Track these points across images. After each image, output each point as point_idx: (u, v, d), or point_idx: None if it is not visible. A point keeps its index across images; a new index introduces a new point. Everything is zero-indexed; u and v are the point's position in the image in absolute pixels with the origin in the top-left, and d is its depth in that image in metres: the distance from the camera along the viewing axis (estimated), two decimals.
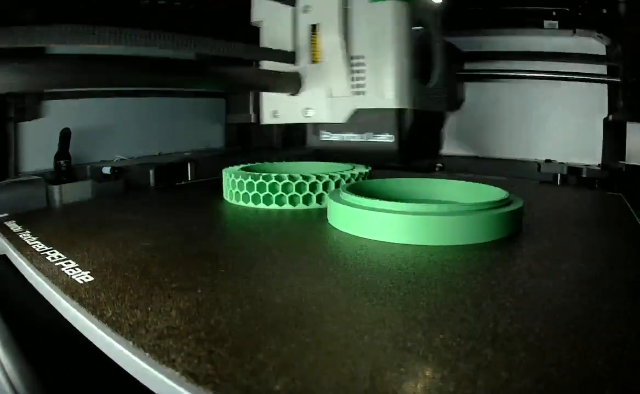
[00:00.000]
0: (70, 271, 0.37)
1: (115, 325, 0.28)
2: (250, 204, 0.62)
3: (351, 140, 0.64)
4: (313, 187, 0.60)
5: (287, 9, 0.65)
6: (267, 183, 0.60)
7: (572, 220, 0.57)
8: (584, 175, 0.94)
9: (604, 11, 0.92)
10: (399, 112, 0.60)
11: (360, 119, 0.61)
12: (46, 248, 0.44)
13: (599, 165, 0.98)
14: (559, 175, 0.98)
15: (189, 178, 0.94)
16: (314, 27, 0.63)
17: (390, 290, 0.32)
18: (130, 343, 0.26)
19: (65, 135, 0.80)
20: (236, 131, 1.22)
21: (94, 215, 0.61)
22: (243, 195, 0.62)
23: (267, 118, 0.70)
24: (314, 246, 0.44)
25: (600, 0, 0.92)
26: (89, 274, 0.37)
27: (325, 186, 0.60)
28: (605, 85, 0.97)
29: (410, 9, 0.59)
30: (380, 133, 0.61)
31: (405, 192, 0.59)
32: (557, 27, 0.97)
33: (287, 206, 0.60)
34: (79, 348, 0.32)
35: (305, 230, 0.50)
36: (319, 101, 0.64)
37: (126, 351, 0.26)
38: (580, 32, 0.96)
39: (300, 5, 0.64)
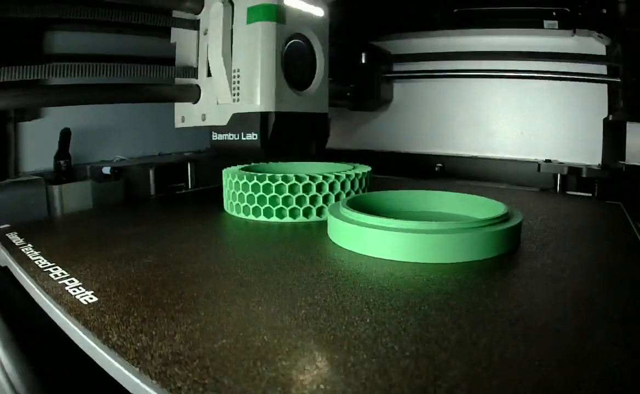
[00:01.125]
0: (74, 291, 0.38)
1: (121, 350, 0.28)
2: (251, 216, 0.63)
3: (230, 139, 0.74)
4: (313, 200, 0.62)
5: (194, 33, 0.78)
6: (268, 196, 0.61)
7: (571, 233, 0.57)
8: (584, 175, 0.94)
9: (604, 11, 0.92)
10: (264, 115, 0.70)
11: (236, 121, 0.73)
12: (49, 263, 0.45)
13: (599, 165, 0.98)
14: (558, 175, 0.98)
15: (189, 178, 0.94)
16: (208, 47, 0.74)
17: (390, 314, 0.33)
18: (137, 369, 0.26)
19: (65, 135, 0.80)
20: None
21: (94, 227, 0.62)
22: (244, 207, 0.63)
23: (177, 123, 0.83)
24: (314, 264, 0.44)
25: (600, 0, 0.92)
26: (92, 294, 0.37)
27: (326, 199, 0.62)
28: (605, 85, 0.97)
29: (281, 27, 0.70)
30: (248, 133, 0.71)
31: (406, 205, 0.61)
32: (557, 27, 0.97)
33: (288, 219, 0.61)
34: (79, 349, 0.32)
35: (306, 247, 0.51)
36: (211, 107, 0.76)
37: (133, 377, 0.26)
38: (580, 32, 0.96)
39: (202, 29, 0.76)
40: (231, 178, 0.65)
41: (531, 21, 0.99)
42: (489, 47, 1.04)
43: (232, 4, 0.71)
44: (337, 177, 0.62)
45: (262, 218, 0.62)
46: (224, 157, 0.81)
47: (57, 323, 0.35)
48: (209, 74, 0.75)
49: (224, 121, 0.74)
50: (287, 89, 0.73)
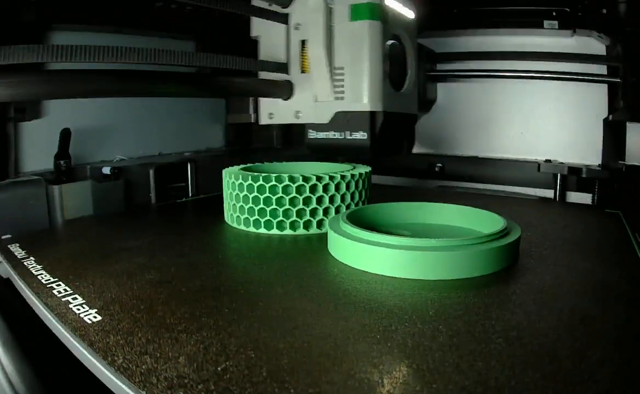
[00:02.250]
0: (78, 309, 0.38)
1: (127, 373, 0.29)
2: (252, 229, 0.63)
3: (332, 137, 0.73)
4: (313, 212, 0.62)
5: (281, 26, 0.75)
6: (268, 209, 0.61)
7: (569, 246, 0.57)
8: (584, 175, 0.95)
9: (604, 11, 0.92)
10: (372, 114, 0.70)
11: (340, 120, 0.71)
12: (52, 279, 0.45)
13: (599, 165, 0.98)
14: (559, 175, 0.98)
15: (189, 178, 0.94)
16: (303, 42, 0.73)
17: (390, 335, 0.33)
18: (143, 393, 0.27)
19: (65, 135, 0.80)
20: (236, 131, 1.23)
21: (95, 239, 0.62)
22: (244, 219, 0.64)
23: (264, 119, 0.81)
24: (315, 282, 0.45)
25: (600, 0, 0.92)
26: (96, 312, 0.38)
27: (326, 211, 0.63)
28: (605, 85, 0.97)
29: (384, 26, 0.69)
30: (355, 132, 0.70)
31: (406, 217, 0.62)
32: (557, 27, 0.97)
33: (288, 231, 0.62)
34: None
35: (306, 262, 0.51)
36: (307, 105, 0.75)
37: None
38: (580, 32, 0.96)
39: (292, 23, 0.74)
40: (231, 190, 0.65)
41: (531, 21, 0.99)
42: (488, 47, 1.04)
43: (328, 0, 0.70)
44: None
45: (262, 230, 0.63)
46: (324, 155, 0.81)
47: (62, 341, 0.36)
48: (303, 71, 0.74)
49: (324, 119, 0.73)
50: (390, 89, 0.73)
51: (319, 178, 0.62)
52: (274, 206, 0.61)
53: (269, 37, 0.78)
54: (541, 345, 0.32)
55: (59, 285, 0.44)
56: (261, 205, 0.62)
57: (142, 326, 0.35)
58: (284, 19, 0.75)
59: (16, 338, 0.45)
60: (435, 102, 1.19)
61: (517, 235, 0.49)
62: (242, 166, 0.76)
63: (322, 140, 0.74)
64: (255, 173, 0.63)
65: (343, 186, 0.64)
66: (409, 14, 0.77)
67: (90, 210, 0.76)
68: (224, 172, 0.70)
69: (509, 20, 1.02)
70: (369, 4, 0.67)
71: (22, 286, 0.45)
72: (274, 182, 0.61)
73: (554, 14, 0.97)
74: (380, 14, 0.68)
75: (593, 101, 0.98)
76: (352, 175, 0.65)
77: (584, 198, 0.99)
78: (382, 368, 0.29)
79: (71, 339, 0.34)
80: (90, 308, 0.38)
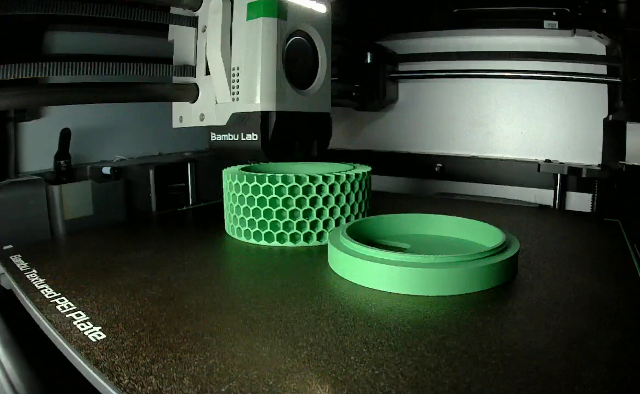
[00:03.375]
0: (82, 326, 0.39)
1: (133, 393, 0.29)
2: (252, 240, 0.64)
3: (229, 139, 0.72)
4: (314, 225, 0.62)
5: (192, 30, 0.76)
6: (269, 221, 0.62)
7: (566, 259, 0.58)
8: (584, 175, 0.95)
9: (604, 11, 0.92)
10: (264, 114, 0.69)
11: (236, 121, 0.71)
12: (55, 294, 0.46)
13: (599, 165, 0.98)
14: (559, 175, 0.98)
15: (189, 178, 0.94)
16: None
17: (388, 355, 0.34)
18: None
19: (65, 135, 0.80)
20: None
21: (97, 252, 0.62)
22: (245, 231, 0.64)
23: (175, 123, 0.82)
24: (315, 298, 0.45)
25: (600, 0, 0.92)
26: (100, 330, 0.38)
27: (326, 224, 0.63)
28: (605, 85, 0.97)
29: (282, 23, 0.68)
30: (248, 133, 0.70)
31: (405, 229, 0.62)
32: (557, 27, 0.96)
33: (288, 243, 0.62)
34: None
35: (307, 277, 0.51)
36: (210, 107, 0.74)
37: None
38: (580, 32, 0.96)
39: (200, 27, 0.75)
40: (232, 202, 0.65)
41: (531, 21, 0.98)
42: (489, 47, 1.04)
43: (232, 0, 0.69)
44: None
45: (263, 242, 0.63)
46: (223, 158, 0.80)
47: (68, 358, 0.36)
48: (208, 73, 0.73)
49: (223, 121, 0.72)
50: (289, 88, 0.71)
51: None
52: (274, 218, 0.62)
53: (181, 41, 0.78)
54: (536, 366, 0.32)
55: (62, 300, 0.44)
56: (262, 218, 0.62)
57: (147, 346, 0.35)
58: (194, 22, 0.75)
59: (16, 338, 0.46)
60: (395, 101, 1.20)
61: (516, 249, 0.50)
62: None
63: (221, 142, 0.74)
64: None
65: (343, 198, 0.63)
66: (320, 8, 0.75)
67: (91, 210, 0.76)
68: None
69: (509, 20, 1.01)
70: (263, 1, 0.66)
71: (26, 300, 0.45)
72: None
73: (554, 14, 0.96)
74: (276, 11, 0.67)
75: (593, 101, 0.98)
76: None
77: (584, 198, 0.99)
78: (381, 386, 0.30)
79: (76, 357, 0.34)
80: (95, 325, 0.39)
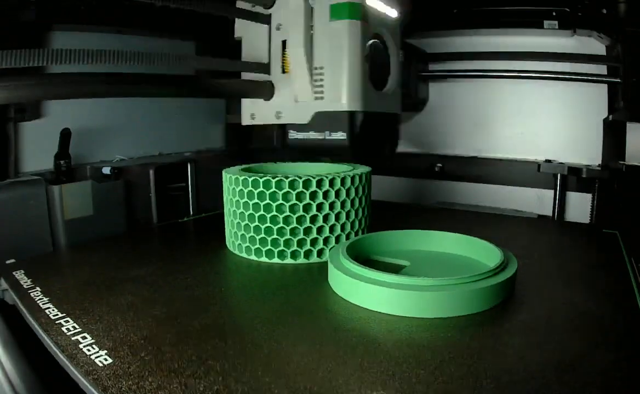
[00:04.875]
0: (88, 350, 0.39)
1: None
2: (253, 257, 0.64)
3: (312, 137, 0.73)
4: (314, 242, 0.63)
5: (263, 27, 0.76)
6: (269, 239, 0.62)
7: (564, 276, 0.58)
8: (584, 175, 0.95)
9: (604, 11, 0.92)
10: (351, 114, 0.70)
11: (320, 120, 0.72)
12: (59, 314, 0.45)
13: (599, 165, 0.98)
14: (559, 175, 0.98)
15: (189, 179, 0.94)
16: (284, 43, 0.73)
17: (387, 380, 0.34)
18: None
19: (65, 135, 0.80)
20: (236, 131, 1.22)
21: (99, 268, 0.61)
22: (246, 247, 0.65)
23: (245, 120, 0.82)
24: (316, 320, 0.45)
25: (600, 0, 0.92)
26: (106, 354, 0.38)
27: (326, 241, 0.63)
28: (605, 85, 0.97)
29: (365, 26, 0.69)
30: (335, 132, 0.71)
31: (405, 245, 0.63)
32: (557, 27, 0.97)
33: (289, 260, 0.62)
34: None
35: (307, 297, 0.51)
36: (288, 105, 0.75)
37: None
38: (580, 32, 0.96)
39: (273, 24, 0.75)
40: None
41: (531, 21, 0.99)
42: (488, 47, 1.04)
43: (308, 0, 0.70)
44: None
45: (264, 259, 0.63)
46: (305, 155, 0.81)
47: (76, 381, 0.36)
48: (283, 71, 0.74)
49: (304, 119, 0.73)
50: (371, 89, 0.73)
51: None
52: (275, 236, 0.62)
53: (251, 38, 0.78)
54: (530, 391, 0.33)
55: (67, 321, 0.44)
56: (262, 235, 0.62)
57: (152, 371, 0.35)
58: (266, 19, 0.75)
59: (16, 338, 0.45)
60: (427, 101, 1.19)
61: (513, 269, 0.50)
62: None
63: (302, 140, 0.74)
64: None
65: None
66: (392, 13, 0.77)
67: (91, 210, 0.76)
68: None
69: (509, 20, 1.02)
70: (349, 4, 0.67)
71: (32, 321, 0.45)
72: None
73: (554, 14, 0.97)
74: (360, 14, 0.68)
75: (593, 101, 0.98)
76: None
77: (584, 198, 0.99)
78: None
79: (85, 382, 0.34)
80: (100, 348, 0.39)
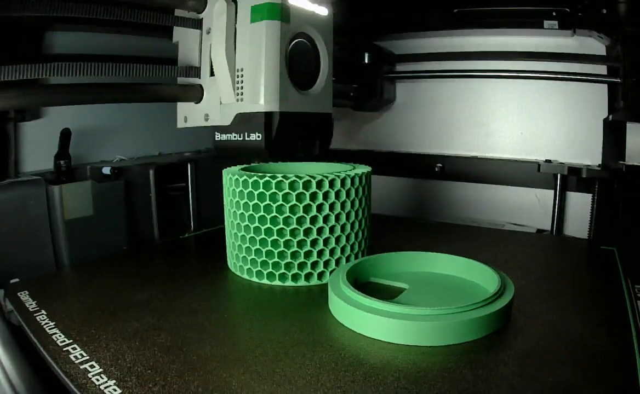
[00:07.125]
0: (97, 379, 0.39)
1: None
2: (255, 279, 0.65)
3: (233, 139, 0.73)
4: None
5: (197, 32, 0.77)
6: (270, 262, 0.63)
7: (561, 299, 0.58)
8: (584, 175, 0.95)
9: (604, 11, 0.92)
10: (267, 115, 0.70)
11: (241, 122, 0.72)
12: (67, 341, 0.46)
13: (599, 165, 0.98)
14: (559, 175, 0.98)
15: (189, 179, 0.94)
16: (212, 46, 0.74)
17: None
18: None
19: (65, 135, 0.80)
20: None
21: (102, 290, 0.62)
22: (247, 270, 0.66)
23: (180, 123, 0.83)
24: (317, 349, 0.46)
25: (600, 0, 0.92)
26: (115, 385, 0.38)
27: (326, 264, 0.64)
28: (605, 85, 0.97)
29: (285, 26, 0.69)
30: (252, 133, 0.71)
31: (405, 267, 0.65)
32: (557, 27, 0.97)
33: (290, 283, 0.64)
34: None
35: (309, 323, 0.52)
36: (214, 107, 0.76)
37: None
38: (580, 32, 0.96)
39: (204, 28, 0.76)
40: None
41: (531, 21, 0.99)
42: (488, 47, 1.04)
43: (236, 3, 0.70)
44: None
45: (265, 281, 0.64)
46: (227, 157, 0.81)
47: None
48: (212, 74, 0.74)
49: (227, 121, 0.73)
50: (291, 89, 0.72)
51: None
52: (276, 253, 0.63)
53: (186, 42, 0.80)
54: None
55: (74, 349, 0.44)
56: (263, 258, 0.63)
57: None
58: (199, 25, 0.77)
59: (16, 338, 0.46)
60: (393, 102, 1.21)
61: (510, 296, 0.51)
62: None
63: (225, 142, 0.75)
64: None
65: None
66: (322, 11, 0.76)
67: (91, 210, 0.76)
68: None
69: (509, 20, 1.02)
70: (267, 4, 0.67)
71: (40, 347, 0.45)
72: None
73: (554, 14, 0.97)
74: (280, 14, 0.68)
75: (593, 101, 0.98)
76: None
77: (584, 198, 0.99)
78: None
79: None
80: (109, 378, 0.39)
